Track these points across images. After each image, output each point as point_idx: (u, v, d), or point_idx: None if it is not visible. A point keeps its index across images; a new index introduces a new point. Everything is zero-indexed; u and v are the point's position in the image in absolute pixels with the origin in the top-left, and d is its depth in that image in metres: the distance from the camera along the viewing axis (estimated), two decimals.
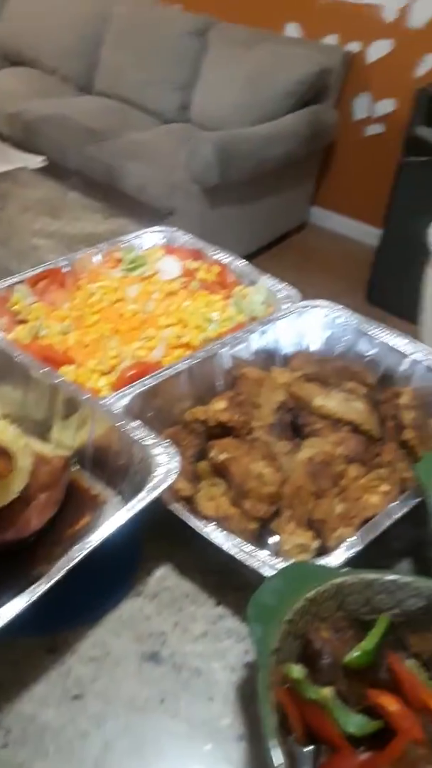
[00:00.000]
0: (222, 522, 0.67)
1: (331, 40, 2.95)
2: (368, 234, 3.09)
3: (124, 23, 3.13)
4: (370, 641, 0.51)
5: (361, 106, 2.99)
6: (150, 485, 0.61)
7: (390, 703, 0.48)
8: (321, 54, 2.76)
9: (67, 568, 0.53)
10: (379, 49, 2.85)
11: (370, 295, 2.78)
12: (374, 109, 2.96)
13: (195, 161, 2.40)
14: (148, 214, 2.62)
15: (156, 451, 0.64)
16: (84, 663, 0.56)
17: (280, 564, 0.58)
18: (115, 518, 0.57)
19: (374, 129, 3.00)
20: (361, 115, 3.00)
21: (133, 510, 0.58)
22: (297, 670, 0.48)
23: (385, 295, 2.70)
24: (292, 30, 3.05)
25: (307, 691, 0.48)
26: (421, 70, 2.75)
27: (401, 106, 2.82)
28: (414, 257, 2.13)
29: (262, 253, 2.99)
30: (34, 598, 0.51)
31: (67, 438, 0.72)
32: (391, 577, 0.54)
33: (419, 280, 2.07)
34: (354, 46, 2.89)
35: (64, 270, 0.96)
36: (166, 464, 0.63)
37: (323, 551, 0.65)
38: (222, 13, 3.05)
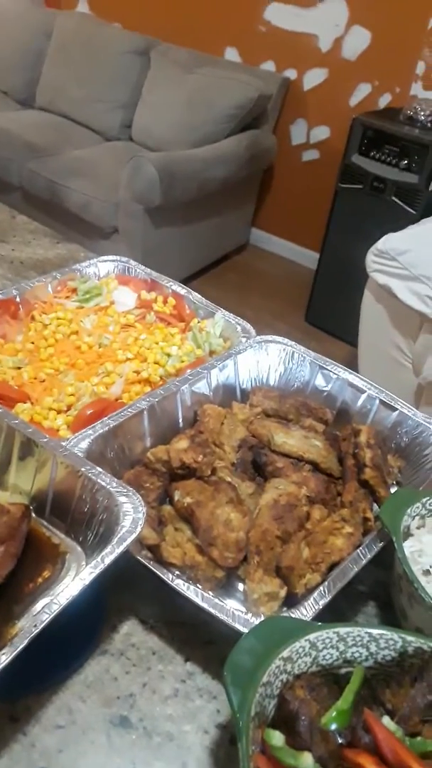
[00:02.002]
0: (188, 570, 0.65)
1: (268, 66, 3.01)
2: (306, 257, 3.16)
3: (66, 39, 3.09)
4: (345, 700, 0.51)
5: (298, 132, 3.06)
6: (117, 537, 0.58)
7: (368, 763, 0.48)
8: (260, 80, 2.81)
9: (32, 636, 0.49)
10: (314, 78, 2.93)
11: (309, 316, 2.83)
12: (310, 135, 3.04)
13: (137, 181, 2.38)
14: (92, 232, 2.59)
15: (121, 499, 0.62)
16: (49, 732, 0.53)
17: (251, 618, 0.57)
18: (80, 576, 0.55)
19: (311, 155, 3.07)
20: (298, 140, 3.07)
21: (99, 567, 0.55)
22: (276, 737, 0.47)
23: (323, 317, 2.77)
24: (232, 54, 3.09)
25: (286, 758, 0.47)
26: (354, 100, 2.85)
27: (336, 133, 2.90)
28: (350, 281, 2.19)
29: (204, 273, 3.00)
30: None
31: (24, 482, 0.68)
32: (364, 629, 0.54)
33: (355, 303, 2.13)
34: (290, 73, 2.96)
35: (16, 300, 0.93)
36: (131, 514, 0.61)
37: (290, 597, 0.64)
38: (163, 34, 3.07)
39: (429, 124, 2.38)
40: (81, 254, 1.17)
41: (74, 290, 0.99)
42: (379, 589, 0.69)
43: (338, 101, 2.88)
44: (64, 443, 0.68)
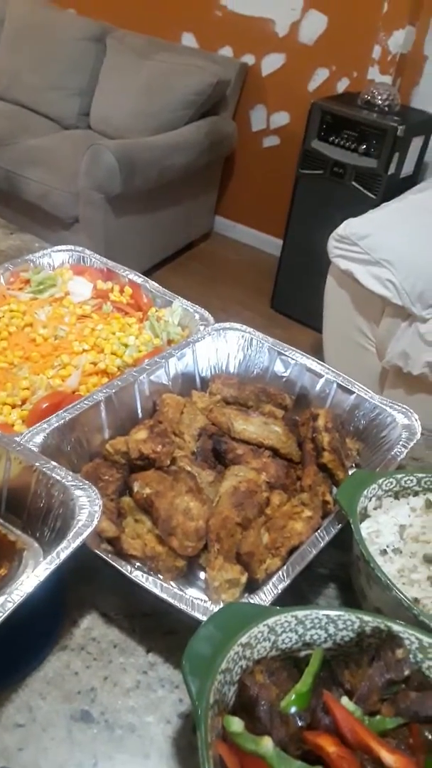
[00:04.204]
0: (149, 561, 0.65)
1: (225, 51, 2.98)
2: (270, 244, 3.16)
3: (19, 25, 3.01)
4: (304, 683, 0.51)
5: (258, 118, 3.05)
6: (72, 532, 0.58)
7: (328, 744, 0.48)
8: (218, 65, 2.79)
9: None
10: (272, 63, 2.92)
11: (274, 303, 2.84)
12: (270, 121, 3.03)
13: (96, 169, 2.35)
14: (52, 223, 2.55)
15: (77, 492, 0.61)
16: (9, 731, 0.52)
17: (211, 606, 0.57)
18: (36, 572, 0.54)
19: (271, 141, 3.07)
20: (258, 126, 3.06)
21: (55, 562, 0.54)
22: (235, 723, 0.47)
23: (288, 303, 2.78)
24: (189, 40, 3.06)
25: (246, 743, 0.47)
26: (312, 85, 2.84)
27: (295, 119, 2.90)
28: (314, 267, 2.20)
29: (169, 263, 2.98)
30: None
31: None
32: (322, 611, 0.54)
33: (319, 289, 2.14)
34: (248, 59, 2.94)
35: None
36: (87, 507, 0.60)
37: (251, 583, 0.64)
38: (118, 19, 3.01)
39: (386, 108, 2.39)
40: (36, 245, 1.15)
41: (27, 281, 0.97)
42: (340, 571, 0.70)
43: (297, 86, 2.87)
44: (17, 438, 0.67)
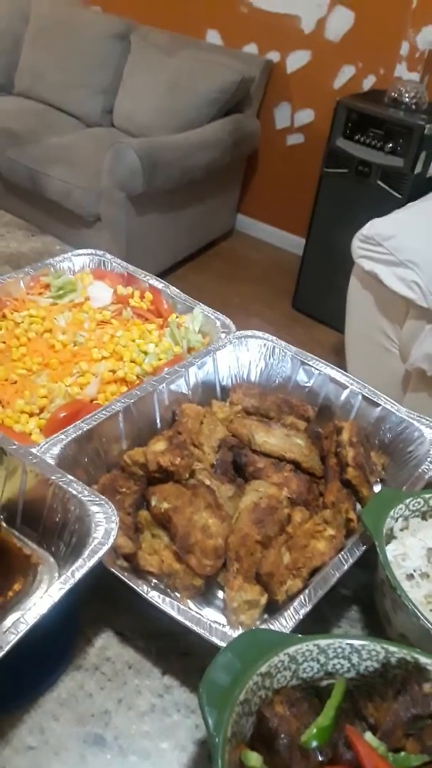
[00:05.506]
0: (166, 578, 0.63)
1: (250, 48, 2.95)
2: (293, 243, 3.12)
3: (44, 23, 3.01)
4: (326, 716, 0.49)
5: (282, 116, 3.01)
6: (88, 550, 0.56)
7: None
8: (242, 63, 2.76)
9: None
10: (297, 60, 2.88)
11: (296, 303, 2.81)
12: (294, 118, 2.99)
13: (119, 168, 2.34)
14: (74, 221, 2.54)
15: (93, 508, 0.60)
16: (20, 753, 0.51)
17: (230, 631, 0.55)
18: (50, 592, 0.52)
19: (295, 139, 3.03)
20: (283, 124, 3.03)
21: (70, 582, 0.53)
22: (254, 759, 0.45)
23: (310, 303, 2.74)
24: (213, 37, 3.03)
25: None
26: (338, 82, 2.80)
27: (320, 116, 2.86)
28: (337, 267, 2.16)
29: (190, 261, 2.96)
30: None
31: None
32: (345, 641, 0.52)
33: (342, 289, 2.10)
34: (273, 56, 2.91)
35: None
36: (104, 524, 0.59)
37: (271, 604, 0.62)
38: (143, 17, 3.00)
39: (413, 107, 2.34)
40: (56, 247, 1.14)
41: (47, 286, 0.95)
42: (363, 592, 0.67)
43: (322, 84, 2.83)
44: (34, 449, 0.66)
